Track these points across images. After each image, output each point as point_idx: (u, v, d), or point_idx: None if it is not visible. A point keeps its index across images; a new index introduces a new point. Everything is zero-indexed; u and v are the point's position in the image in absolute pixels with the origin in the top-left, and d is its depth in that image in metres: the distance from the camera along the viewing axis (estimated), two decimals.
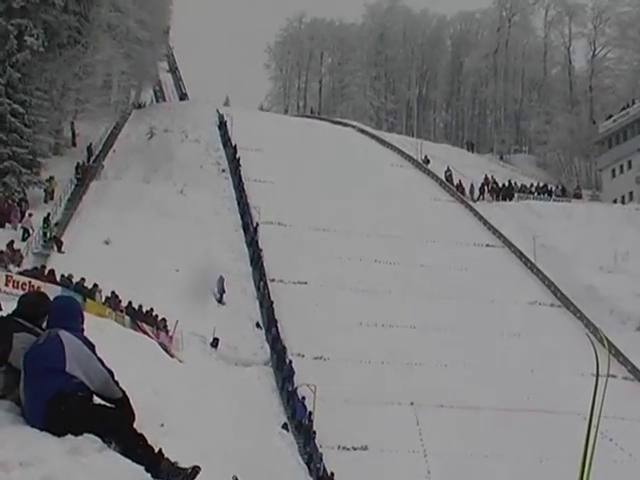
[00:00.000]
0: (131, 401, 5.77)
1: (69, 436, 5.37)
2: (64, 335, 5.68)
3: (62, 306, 6.09)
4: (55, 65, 56.39)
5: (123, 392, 5.76)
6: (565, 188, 76.14)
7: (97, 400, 5.75)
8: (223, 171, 64.26)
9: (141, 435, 5.56)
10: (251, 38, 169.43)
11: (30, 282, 30.50)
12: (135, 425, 5.66)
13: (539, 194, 72.00)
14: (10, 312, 6.34)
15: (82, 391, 5.58)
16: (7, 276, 29.45)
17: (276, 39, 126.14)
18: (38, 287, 30.99)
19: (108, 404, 5.73)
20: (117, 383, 5.75)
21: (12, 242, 40.49)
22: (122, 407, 5.70)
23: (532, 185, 74.01)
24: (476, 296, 52.17)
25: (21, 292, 25.98)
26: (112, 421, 5.53)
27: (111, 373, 5.73)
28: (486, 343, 48.13)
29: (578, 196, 75.57)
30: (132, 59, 75.56)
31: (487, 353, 47.25)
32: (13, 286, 28.40)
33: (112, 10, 67.16)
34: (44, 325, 6.08)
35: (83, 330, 5.93)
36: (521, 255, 59.07)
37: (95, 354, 5.73)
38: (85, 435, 5.39)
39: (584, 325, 52.08)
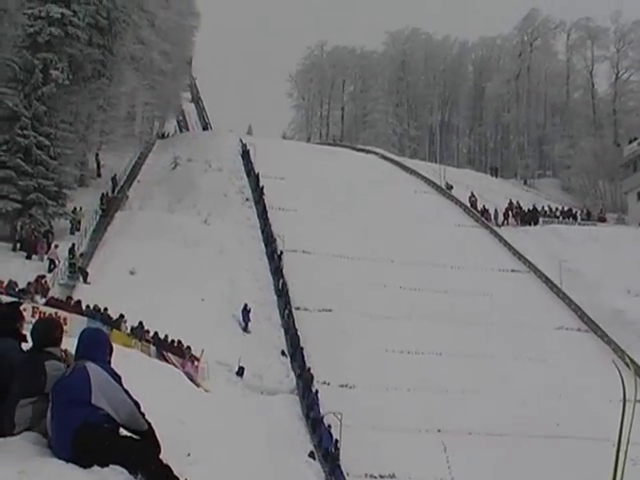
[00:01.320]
0: (157, 432, 5.78)
1: (95, 467, 5.39)
2: (90, 367, 5.71)
3: (89, 338, 6.14)
4: (80, 98, 56.89)
5: (149, 424, 5.78)
6: (590, 212, 75.76)
7: (123, 431, 5.76)
8: (247, 200, 64.45)
9: (167, 466, 5.57)
10: (273, 67, 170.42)
11: (56, 313, 30.62)
12: (161, 456, 5.67)
13: (564, 218, 71.72)
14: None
15: (108, 423, 5.61)
16: (34, 307, 29.56)
17: (298, 67, 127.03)
18: (64, 318, 31.13)
19: (134, 435, 5.75)
20: (143, 415, 5.76)
21: (43, 277, 40.62)
22: (148, 438, 5.71)
23: (557, 209, 73.74)
24: (502, 322, 51.95)
25: None
26: (138, 452, 5.55)
27: (137, 405, 5.75)
28: (513, 369, 47.84)
29: (603, 219, 75.12)
30: (155, 90, 76.15)
31: (514, 379, 46.94)
32: (40, 317, 28.49)
33: (135, 42, 67.67)
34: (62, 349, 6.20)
35: (110, 362, 5.97)
36: (547, 280, 58.76)
37: (122, 386, 5.76)
38: (111, 466, 5.41)
39: (612, 350, 51.67)
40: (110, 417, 5.62)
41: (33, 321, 6.83)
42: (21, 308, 7.10)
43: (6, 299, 30.30)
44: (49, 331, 6.39)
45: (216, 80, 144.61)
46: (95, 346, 5.99)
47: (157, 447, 5.71)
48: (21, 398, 6.04)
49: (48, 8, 53.25)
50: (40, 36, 52.86)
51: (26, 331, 6.60)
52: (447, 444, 41.41)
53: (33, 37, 53.09)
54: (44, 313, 29.96)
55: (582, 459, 40.42)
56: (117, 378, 5.78)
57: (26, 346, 6.62)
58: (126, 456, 5.48)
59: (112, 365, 5.96)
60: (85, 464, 5.39)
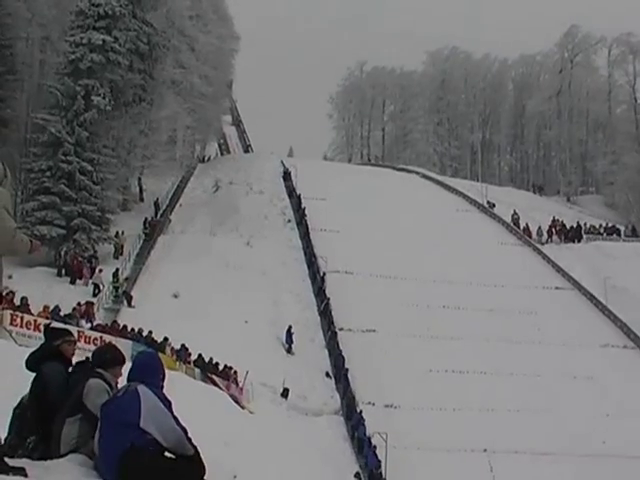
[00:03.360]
0: (202, 456, 5.80)
1: None
2: (142, 390, 5.76)
3: (144, 361, 6.22)
4: (121, 123, 57.43)
5: (195, 449, 5.79)
6: (635, 228, 75.00)
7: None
8: (289, 221, 64.61)
9: None
10: (313, 89, 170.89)
11: (101, 337, 30.82)
12: (206, 477, 5.68)
13: (608, 235, 71.05)
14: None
15: (154, 446, 5.63)
16: (79, 332, 29.76)
17: (338, 89, 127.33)
18: (109, 342, 31.34)
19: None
20: (190, 440, 5.78)
21: (92, 304, 40.82)
22: (193, 461, 5.73)
23: (601, 226, 73.10)
24: (547, 340, 51.60)
25: (93, 347, 26.27)
26: (183, 474, 5.57)
27: (185, 431, 5.77)
28: (558, 387, 47.42)
29: None
30: (196, 114, 76.64)
31: (559, 397, 46.54)
32: (85, 341, 28.68)
33: (176, 67, 68.24)
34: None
35: (163, 387, 6.02)
36: (592, 297, 58.23)
37: (171, 411, 5.78)
38: None
39: None
40: (156, 441, 5.65)
41: (77, 345, 7.01)
42: (72, 334, 7.23)
43: (53, 324, 30.60)
44: (101, 353, 6.61)
45: (256, 103, 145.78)
46: (149, 370, 6.05)
47: (202, 469, 5.73)
48: (67, 417, 6.15)
49: (90, 35, 53.90)
50: (82, 63, 53.46)
51: (77, 356, 6.77)
52: (493, 464, 41.13)
53: (75, 64, 53.71)
54: (89, 337, 30.18)
55: (630, 477, 39.94)
56: (167, 404, 5.81)
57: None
58: (172, 478, 5.50)
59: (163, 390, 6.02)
60: None
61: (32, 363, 6.80)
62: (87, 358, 6.84)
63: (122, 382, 6.25)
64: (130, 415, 5.64)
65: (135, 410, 5.65)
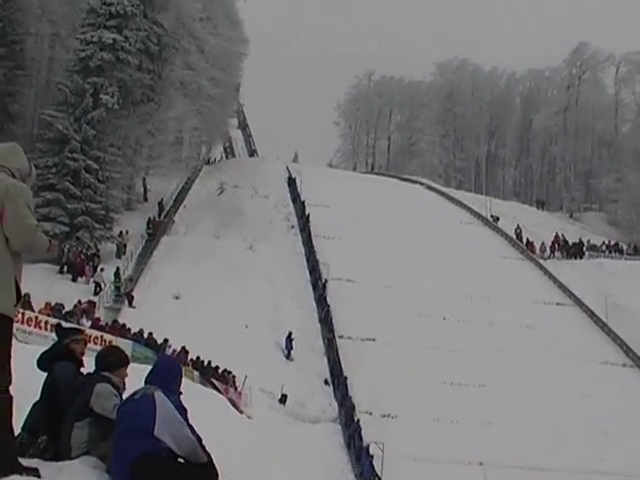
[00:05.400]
0: (215, 463, 5.75)
1: None
2: (159, 397, 5.69)
3: (164, 366, 6.17)
4: (129, 122, 57.40)
5: (209, 456, 5.73)
6: (637, 246, 74.92)
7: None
8: (292, 227, 64.59)
9: None
10: (320, 96, 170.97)
11: (102, 336, 30.75)
12: None
13: (610, 252, 71.00)
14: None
15: (167, 454, 5.57)
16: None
17: (345, 97, 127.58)
18: (110, 341, 31.25)
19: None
20: (204, 448, 5.72)
21: (94, 305, 40.68)
22: (206, 468, 5.68)
23: (603, 243, 73.08)
24: (546, 355, 51.48)
25: (93, 345, 26.22)
26: None
27: (199, 439, 5.71)
28: (556, 403, 47.29)
29: None
30: (203, 116, 76.64)
31: (557, 413, 46.41)
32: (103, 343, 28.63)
33: (184, 68, 68.23)
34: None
35: (181, 393, 5.96)
36: (592, 314, 58.15)
37: (187, 420, 5.72)
38: None
39: None
40: (170, 449, 5.59)
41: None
42: (81, 333, 7.18)
43: (53, 321, 30.54)
44: (105, 356, 6.54)
45: (263, 107, 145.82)
46: (168, 375, 5.99)
47: (215, 476, 5.68)
48: (75, 420, 6.10)
49: (100, 33, 53.93)
50: (92, 61, 53.50)
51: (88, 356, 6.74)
52: (489, 477, 40.97)
53: (85, 61, 53.75)
54: (90, 336, 30.08)
55: None
56: (183, 411, 5.75)
57: (85, 370, 6.72)
58: None
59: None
60: None
61: (44, 362, 6.77)
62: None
63: (135, 385, 6.18)
64: (145, 422, 5.58)
65: (150, 417, 5.59)
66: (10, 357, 4.97)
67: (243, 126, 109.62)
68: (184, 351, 37.78)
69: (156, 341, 36.35)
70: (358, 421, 42.44)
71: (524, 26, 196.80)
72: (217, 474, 5.69)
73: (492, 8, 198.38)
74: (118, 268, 48.76)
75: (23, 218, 5.01)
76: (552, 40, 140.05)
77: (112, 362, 6.58)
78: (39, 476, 5.07)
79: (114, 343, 30.57)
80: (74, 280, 46.77)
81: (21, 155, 5.38)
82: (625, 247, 73.73)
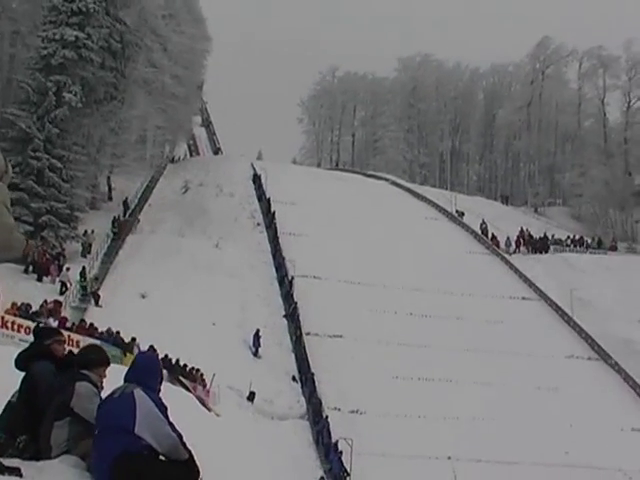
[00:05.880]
0: (196, 458, 5.73)
1: None
2: (138, 395, 5.66)
3: (143, 363, 6.13)
4: (92, 120, 57.03)
5: (189, 453, 5.72)
6: (601, 240, 75.55)
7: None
8: (258, 225, 64.50)
9: None
10: (284, 92, 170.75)
11: (69, 336, 30.54)
12: None
13: (575, 246, 71.53)
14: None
15: (148, 451, 5.55)
16: None
17: (309, 93, 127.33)
18: (77, 341, 31.08)
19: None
20: (185, 445, 5.70)
21: (60, 304, 40.37)
22: (187, 465, 5.66)
23: (568, 238, 73.56)
24: (512, 349, 51.77)
25: None
26: (178, 477, 5.50)
27: (180, 436, 5.69)
28: (523, 397, 47.61)
29: (614, 248, 74.88)
30: (167, 114, 76.30)
31: (524, 407, 46.71)
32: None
33: (147, 66, 67.87)
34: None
35: (160, 390, 5.93)
36: (557, 308, 58.56)
37: (167, 417, 5.70)
38: None
39: (622, 379, 51.56)
40: (151, 447, 5.56)
41: None
42: (62, 334, 7.16)
43: (19, 321, 30.34)
44: (85, 354, 6.50)
45: (226, 105, 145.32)
46: (148, 372, 5.96)
47: (197, 473, 5.67)
48: (55, 419, 6.07)
49: (62, 31, 53.50)
50: (54, 58, 53.07)
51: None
52: (457, 471, 41.17)
53: (47, 59, 53.32)
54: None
55: None
56: (163, 408, 5.73)
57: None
58: None
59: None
60: None
61: (21, 362, 6.72)
62: (70, 353, 6.75)
63: (105, 385, 6.15)
64: (125, 420, 5.55)
65: (130, 416, 5.56)
66: None
67: (207, 124, 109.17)
68: (152, 349, 37.61)
69: (124, 340, 36.20)
70: (326, 417, 42.52)
71: (487, 21, 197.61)
72: (198, 471, 5.68)
73: (455, 3, 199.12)
74: (84, 267, 48.46)
75: (3, 217, 4.96)
76: (515, 35, 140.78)
77: (93, 360, 6.52)
78: (21, 475, 5.04)
79: (81, 342, 30.43)
80: (39, 280, 46.40)
81: None
82: (589, 241, 74.31)
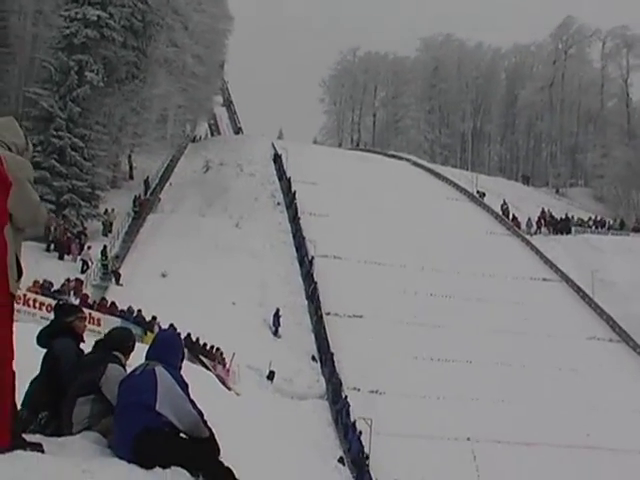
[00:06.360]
0: (216, 436, 5.75)
1: (157, 469, 5.35)
2: (160, 372, 5.67)
3: (165, 340, 6.14)
4: (114, 100, 57.11)
5: (210, 431, 5.73)
6: (623, 221, 75.09)
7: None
8: (278, 204, 64.53)
9: (228, 468, 5.54)
10: (305, 72, 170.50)
11: (90, 314, 30.69)
12: (220, 458, 5.64)
13: (597, 228, 71.17)
14: (100, 342, 6.61)
15: (169, 428, 5.57)
16: None
17: (330, 73, 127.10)
18: (98, 319, 31.25)
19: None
20: (205, 423, 5.71)
21: (81, 283, 40.62)
22: (208, 442, 5.68)
23: (589, 219, 73.23)
24: (533, 331, 51.67)
25: None
26: (199, 454, 5.52)
27: (201, 414, 5.70)
28: (543, 378, 47.55)
29: (637, 230, 74.43)
30: (188, 93, 76.39)
31: (544, 388, 46.66)
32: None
33: (169, 45, 67.92)
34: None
35: (181, 368, 5.95)
36: (579, 289, 58.37)
37: (188, 395, 5.71)
38: (173, 468, 5.37)
39: None
40: (172, 424, 5.59)
41: None
42: (83, 311, 7.19)
43: (41, 299, 30.51)
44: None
45: (248, 84, 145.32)
46: (169, 350, 5.97)
47: (217, 450, 5.68)
48: (79, 396, 6.10)
49: (84, 10, 53.52)
50: (76, 38, 53.13)
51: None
52: (476, 452, 41.27)
53: (69, 39, 53.39)
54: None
55: (612, 470, 40.18)
56: (185, 386, 5.74)
57: (84, 346, 6.70)
58: (187, 458, 5.45)
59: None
60: (147, 466, 5.36)
61: (43, 339, 6.76)
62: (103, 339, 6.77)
63: (135, 361, 6.17)
64: (146, 397, 5.56)
65: (151, 392, 5.57)
66: (12, 333, 4.94)
67: (228, 103, 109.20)
68: (172, 328, 37.76)
69: (144, 318, 36.35)
70: (346, 397, 42.60)
71: (509, 0, 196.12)
72: (219, 449, 5.69)
73: None
74: (105, 246, 48.64)
75: (29, 194, 5.00)
76: (537, 15, 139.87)
77: (129, 348, 6.61)
78: (43, 451, 5.07)
79: (102, 321, 30.62)
80: (61, 258, 46.62)
81: (17, 129, 5.32)
82: (611, 222, 73.91)
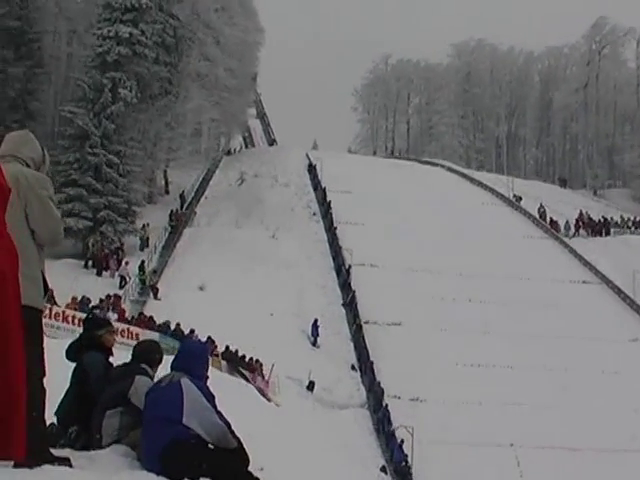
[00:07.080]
0: (245, 448, 5.74)
1: None
2: (185, 384, 5.66)
3: (191, 351, 6.16)
4: (147, 115, 57.54)
5: (239, 441, 5.72)
6: None
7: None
8: (314, 214, 64.59)
9: (257, 478, 5.53)
10: (338, 81, 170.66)
11: (128, 329, 30.90)
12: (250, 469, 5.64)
13: (636, 228, 70.46)
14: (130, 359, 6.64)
15: (196, 440, 5.57)
16: None
17: (362, 81, 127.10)
18: (136, 334, 31.41)
19: None
20: (233, 433, 5.70)
21: (120, 298, 40.88)
22: (237, 452, 5.67)
23: (629, 220, 72.52)
24: (574, 334, 51.19)
25: (120, 338, 26.32)
26: (227, 465, 5.51)
27: (228, 425, 5.69)
28: (586, 382, 47.09)
29: None
30: (221, 106, 76.61)
31: (587, 392, 46.21)
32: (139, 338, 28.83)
33: (201, 60, 68.28)
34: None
35: (207, 378, 5.94)
36: (619, 291, 57.83)
37: (214, 406, 5.70)
38: (201, 479, 5.37)
39: None
40: (199, 436, 5.58)
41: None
42: (112, 325, 7.23)
43: (80, 315, 30.69)
44: (150, 352, 6.63)
45: (281, 96, 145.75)
46: (194, 360, 5.96)
47: (246, 461, 5.67)
48: (107, 409, 6.12)
49: (117, 28, 54.04)
50: (109, 55, 53.67)
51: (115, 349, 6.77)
52: (520, 458, 40.95)
53: (102, 57, 53.94)
54: (117, 329, 30.23)
55: None
56: (211, 398, 5.72)
57: (113, 360, 6.73)
58: (216, 469, 5.44)
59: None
60: (175, 478, 5.36)
61: (72, 353, 6.80)
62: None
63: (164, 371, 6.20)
64: (172, 410, 5.56)
65: (177, 406, 5.56)
66: (43, 349, 4.97)
67: (261, 115, 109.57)
68: (211, 341, 37.90)
69: (183, 332, 36.49)
70: (387, 406, 42.48)
71: (540, 3, 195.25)
72: (248, 459, 5.68)
73: None
74: (143, 261, 48.96)
75: (51, 211, 5.01)
76: (569, 17, 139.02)
77: (157, 360, 6.63)
78: (71, 465, 5.09)
79: (140, 335, 30.76)
80: (99, 274, 47.03)
81: (34, 143, 5.33)
82: None
